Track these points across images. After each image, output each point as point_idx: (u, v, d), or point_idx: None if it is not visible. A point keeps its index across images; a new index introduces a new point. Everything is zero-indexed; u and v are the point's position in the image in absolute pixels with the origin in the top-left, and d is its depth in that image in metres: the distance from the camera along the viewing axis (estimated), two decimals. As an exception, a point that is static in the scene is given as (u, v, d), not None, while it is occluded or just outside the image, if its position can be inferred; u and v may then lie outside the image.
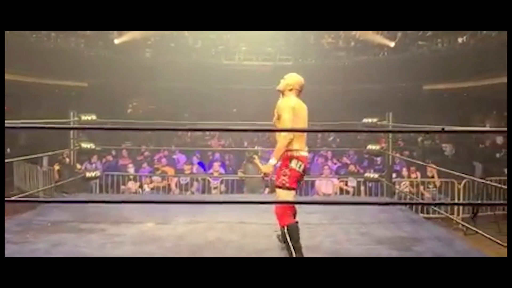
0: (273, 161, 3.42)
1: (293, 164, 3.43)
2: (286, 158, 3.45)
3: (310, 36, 14.85)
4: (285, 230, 3.40)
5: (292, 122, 3.38)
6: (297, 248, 3.37)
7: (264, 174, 3.51)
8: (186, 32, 14.74)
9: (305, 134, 3.70)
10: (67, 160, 7.29)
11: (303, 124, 3.50)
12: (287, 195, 3.44)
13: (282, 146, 3.39)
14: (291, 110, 3.41)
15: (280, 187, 3.46)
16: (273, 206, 3.62)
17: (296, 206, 3.71)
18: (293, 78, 3.57)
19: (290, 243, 3.37)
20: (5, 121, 2.47)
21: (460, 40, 11.95)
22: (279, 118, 3.48)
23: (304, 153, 3.50)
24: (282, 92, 3.59)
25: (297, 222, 3.49)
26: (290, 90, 3.53)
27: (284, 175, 3.44)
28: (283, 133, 3.43)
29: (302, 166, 3.47)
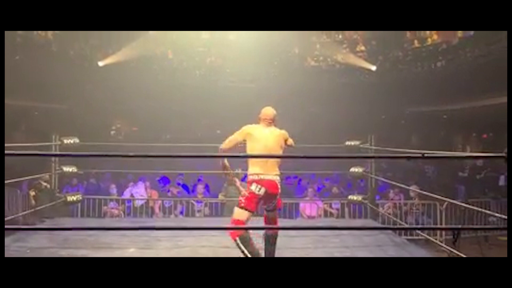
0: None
1: (253, 187, 3.78)
2: (248, 183, 3.84)
3: (294, 59, 15.03)
4: (238, 242, 3.66)
5: (230, 142, 3.91)
6: (254, 254, 3.64)
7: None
8: (170, 54, 14.79)
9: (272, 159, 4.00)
10: (44, 184, 7.10)
11: (261, 149, 3.80)
12: (240, 214, 3.78)
13: (218, 150, 3.92)
14: (241, 132, 3.93)
15: (237, 206, 3.83)
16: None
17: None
18: (262, 110, 4.06)
19: (246, 253, 3.63)
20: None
21: (439, 64, 12.24)
22: None
23: (268, 177, 3.79)
24: None
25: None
26: (259, 119, 4.02)
27: (242, 196, 3.82)
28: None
29: (263, 189, 3.76)
